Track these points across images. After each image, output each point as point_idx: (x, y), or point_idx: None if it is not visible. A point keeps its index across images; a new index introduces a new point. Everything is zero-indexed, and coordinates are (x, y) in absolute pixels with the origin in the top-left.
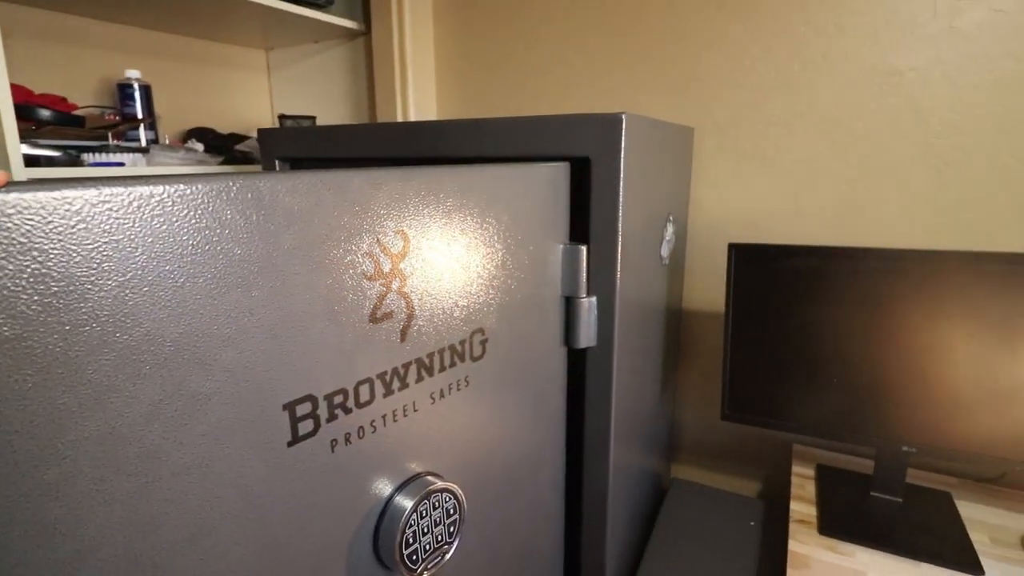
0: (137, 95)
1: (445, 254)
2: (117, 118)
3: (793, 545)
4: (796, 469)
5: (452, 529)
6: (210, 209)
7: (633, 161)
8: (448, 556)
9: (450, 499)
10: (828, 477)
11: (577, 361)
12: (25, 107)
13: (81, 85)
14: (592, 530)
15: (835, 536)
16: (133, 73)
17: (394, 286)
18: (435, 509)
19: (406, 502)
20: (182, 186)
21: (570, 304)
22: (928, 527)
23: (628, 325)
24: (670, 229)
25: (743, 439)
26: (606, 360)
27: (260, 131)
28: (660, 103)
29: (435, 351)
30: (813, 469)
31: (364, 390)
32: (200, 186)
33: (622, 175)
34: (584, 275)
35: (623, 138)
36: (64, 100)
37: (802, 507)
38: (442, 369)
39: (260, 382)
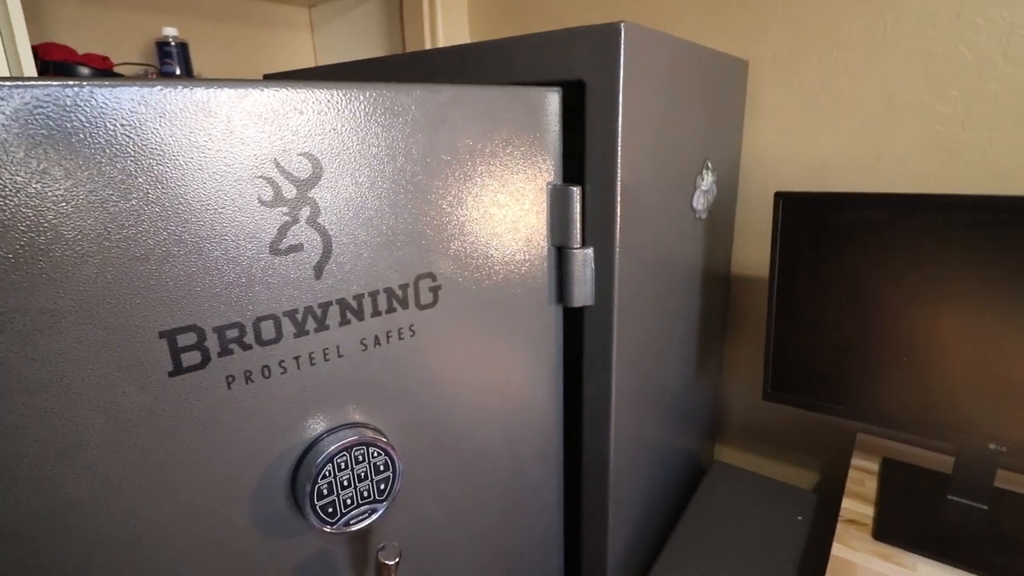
0: (175, 53)
1: (378, 186)
2: (155, 76)
3: (838, 549)
4: (857, 461)
5: (383, 487)
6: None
7: (639, 85)
8: (377, 515)
9: (379, 455)
10: (895, 473)
11: (579, 321)
12: (65, 65)
13: (125, 45)
14: (592, 503)
15: (893, 543)
16: (170, 31)
17: (303, 216)
18: (359, 463)
19: (323, 450)
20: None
21: (562, 256)
22: (1018, 542)
23: (638, 284)
24: (708, 178)
25: (799, 422)
26: (604, 321)
27: (265, 76)
28: (710, 30)
29: (364, 293)
30: (877, 463)
31: (267, 327)
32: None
33: (620, 100)
34: (578, 222)
35: (621, 55)
36: (106, 59)
37: (856, 505)
38: (376, 314)
39: (126, 306)
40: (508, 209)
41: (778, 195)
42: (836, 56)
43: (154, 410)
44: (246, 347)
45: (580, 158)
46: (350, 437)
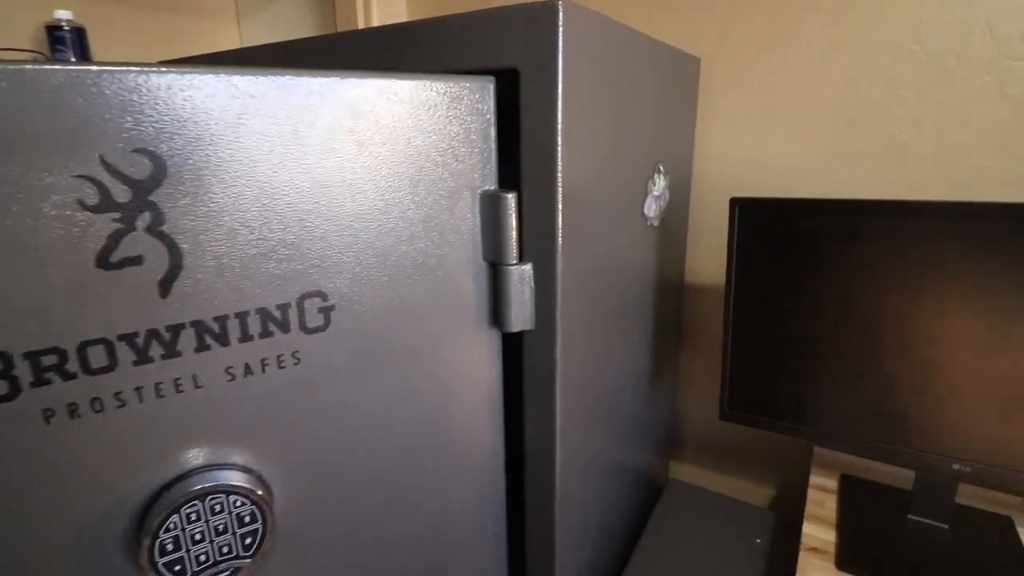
0: (68, 39)
1: (246, 188)
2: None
3: None
4: (815, 479)
5: (249, 542)
6: None
7: (581, 75)
8: (241, 573)
9: (242, 504)
10: (854, 492)
11: (516, 345)
12: None
13: (10, 29)
14: (538, 544)
15: (857, 572)
16: (63, 14)
17: (140, 223)
18: (216, 514)
19: (169, 499)
20: None
21: (496, 273)
22: (982, 564)
23: (585, 301)
24: (660, 182)
25: (755, 437)
26: (546, 348)
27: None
28: (660, 23)
29: (229, 315)
30: (836, 480)
31: (96, 353)
32: None
33: (560, 92)
34: (513, 234)
35: (560, 39)
36: None
37: (818, 530)
38: (246, 339)
39: None
40: (429, 218)
41: (734, 201)
42: (790, 55)
43: None
44: (68, 376)
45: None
46: (201, 484)
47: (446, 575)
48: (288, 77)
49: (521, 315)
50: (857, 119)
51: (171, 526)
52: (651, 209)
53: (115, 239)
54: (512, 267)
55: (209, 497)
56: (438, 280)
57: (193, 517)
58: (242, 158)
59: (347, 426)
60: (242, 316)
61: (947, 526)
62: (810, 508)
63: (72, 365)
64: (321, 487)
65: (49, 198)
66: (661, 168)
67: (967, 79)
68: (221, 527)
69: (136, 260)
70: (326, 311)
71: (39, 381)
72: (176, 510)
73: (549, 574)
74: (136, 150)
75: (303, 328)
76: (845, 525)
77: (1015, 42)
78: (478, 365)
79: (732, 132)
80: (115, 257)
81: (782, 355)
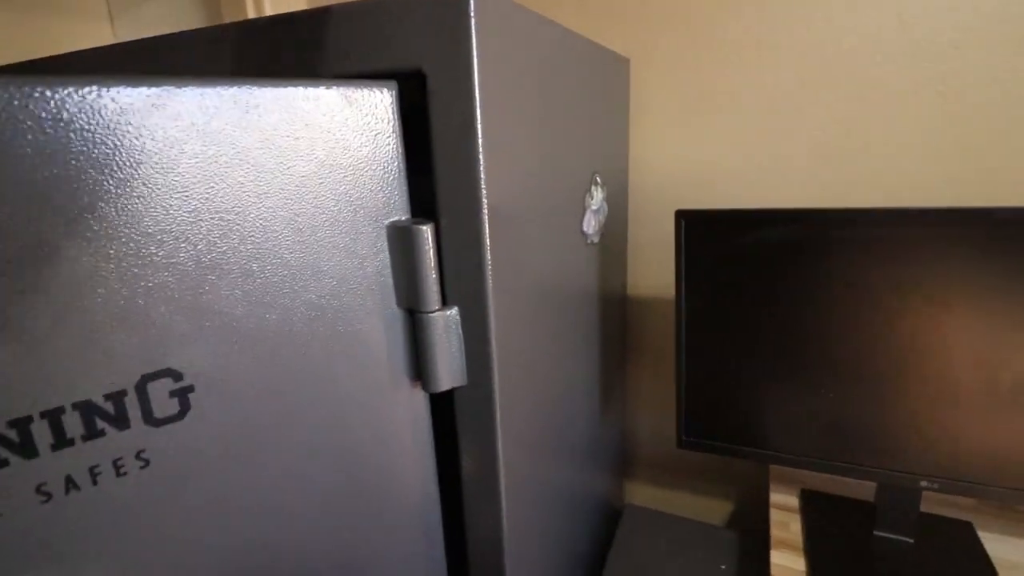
0: None
1: (41, 232)
2: None
3: None
4: (776, 497)
5: None
6: None
7: (504, 75)
8: None
9: None
10: (817, 509)
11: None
12: None
13: None
14: None
15: None
16: None
17: None
18: None
19: None
20: None
21: (415, 321)
22: (949, 574)
23: (525, 339)
24: (598, 195)
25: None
26: (483, 404)
27: None
28: (584, 20)
29: (31, 415)
30: (796, 496)
31: None
32: None
33: (478, 96)
34: (432, 273)
35: (473, 34)
36: None
37: (787, 558)
38: (63, 444)
39: None
40: (319, 262)
41: (679, 214)
42: (721, 57)
43: None
44: None
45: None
46: None
47: None
48: (94, 88)
49: (451, 370)
50: (786, 124)
51: None
52: (590, 225)
53: None
54: (433, 314)
55: None
56: (338, 336)
57: None
58: (23, 187)
59: (228, 533)
60: (53, 415)
61: (912, 540)
62: (776, 533)
63: None
64: None
65: None
66: (598, 179)
67: (887, 79)
68: None
69: None
70: (181, 394)
71: None
72: None
73: None
74: None
75: (149, 420)
76: (813, 550)
77: (931, 39)
78: (400, 433)
79: (665, 139)
80: None
81: (738, 376)
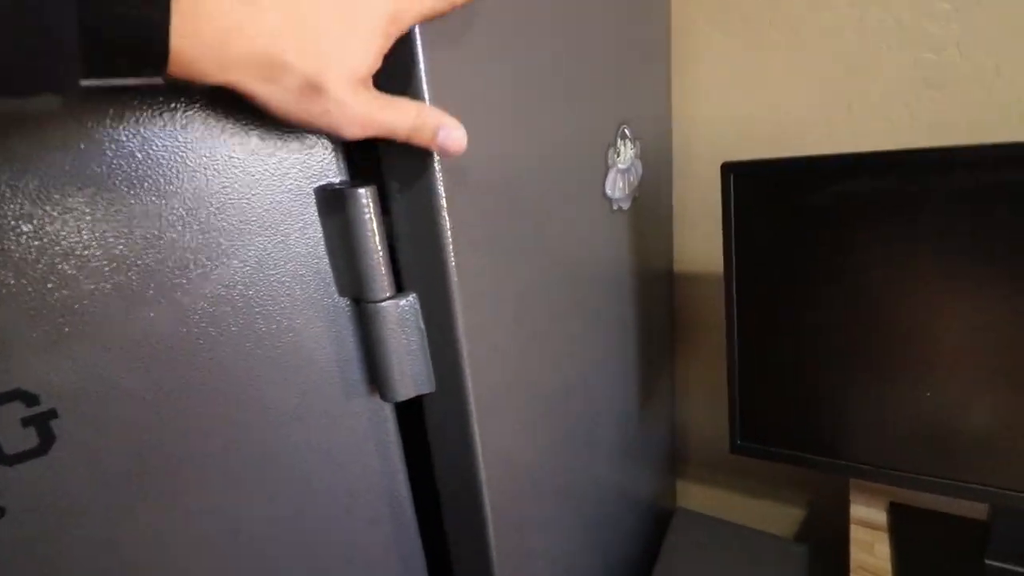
0: None
1: None
2: None
3: None
4: (858, 511)
5: None
6: None
7: None
8: None
9: None
10: (910, 529)
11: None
12: None
13: None
14: None
15: None
16: None
17: None
18: None
19: None
20: None
21: (362, 313)
22: None
23: (517, 333)
24: (627, 151)
25: None
26: (456, 416)
27: None
28: None
29: None
30: (884, 510)
31: None
32: None
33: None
34: (377, 251)
35: None
36: None
37: None
38: None
39: None
40: (226, 243)
41: (727, 167)
42: None
43: None
44: None
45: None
46: None
47: None
48: None
49: (411, 374)
50: (878, 48)
51: None
52: (616, 187)
53: None
54: (383, 303)
55: None
56: (258, 336)
57: None
58: None
59: None
60: None
61: None
62: (857, 555)
63: None
64: None
65: None
66: (627, 132)
67: None
68: None
69: None
70: (39, 422)
71: None
72: None
73: None
74: None
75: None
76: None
77: None
78: (360, 452)
79: (718, 82)
80: None
81: (805, 367)
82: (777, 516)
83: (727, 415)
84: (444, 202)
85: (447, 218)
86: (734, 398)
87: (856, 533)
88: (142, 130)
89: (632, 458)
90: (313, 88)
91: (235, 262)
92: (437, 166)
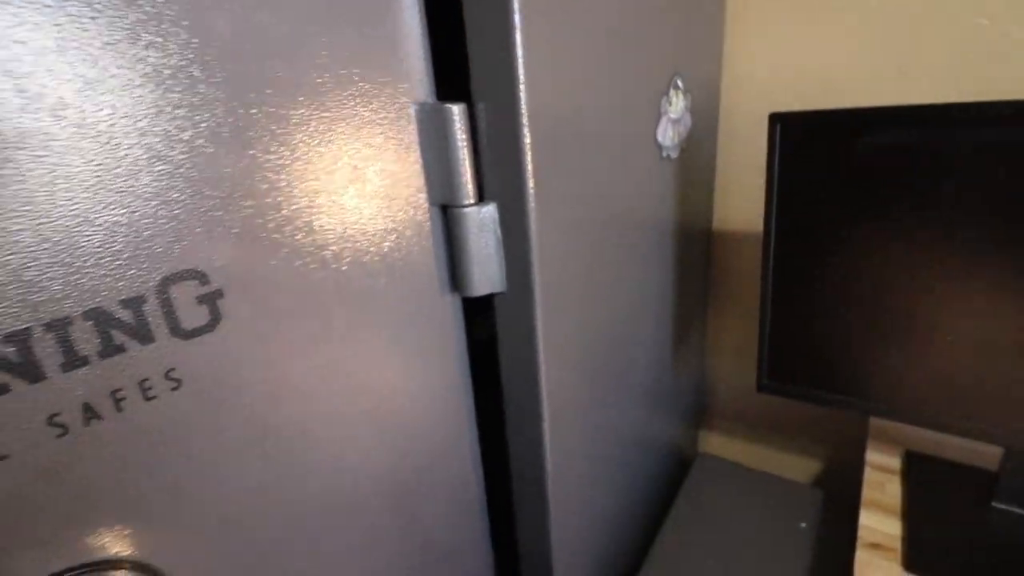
0: None
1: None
2: None
3: None
4: (873, 456)
5: None
6: None
7: None
8: None
9: None
10: (924, 473)
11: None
12: None
13: None
14: (533, 557)
15: (931, 575)
16: None
17: None
18: None
19: None
20: None
21: (448, 218)
22: None
23: (575, 251)
24: (679, 102)
25: (795, 404)
26: (523, 314)
27: None
28: None
29: (31, 327)
30: (899, 457)
31: None
32: None
33: None
34: (465, 161)
35: None
36: None
37: (878, 521)
38: (75, 364)
39: None
40: (346, 148)
41: (774, 117)
42: None
43: None
44: None
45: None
46: None
47: None
48: None
49: (486, 274)
50: (935, 13)
51: None
52: (667, 135)
53: None
54: (468, 209)
55: None
56: (368, 236)
57: None
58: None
59: (271, 461)
60: (58, 327)
61: None
62: (868, 493)
63: None
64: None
65: None
66: (679, 83)
67: None
68: None
69: None
70: (210, 299)
71: None
72: None
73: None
74: None
75: (176, 331)
76: (914, 515)
77: None
78: (434, 340)
79: (769, 38)
80: None
81: (835, 309)
82: (795, 465)
83: (753, 366)
84: (526, 120)
85: (528, 135)
86: (764, 336)
87: (870, 475)
88: None
89: (661, 403)
90: None
91: (356, 171)
92: (522, 88)
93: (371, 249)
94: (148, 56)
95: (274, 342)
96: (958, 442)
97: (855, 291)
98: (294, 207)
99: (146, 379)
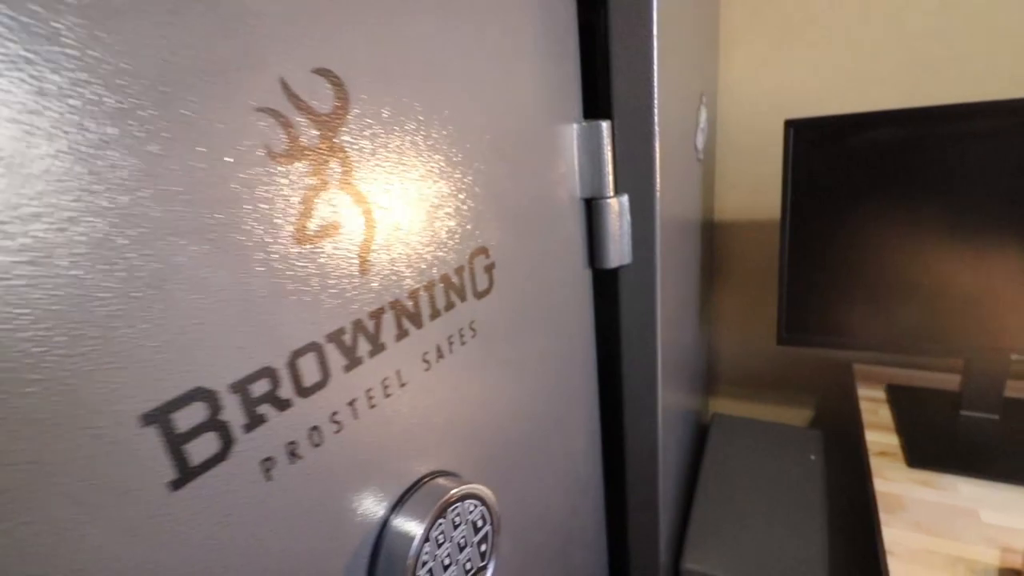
0: None
1: (415, 116)
2: None
3: (880, 484)
4: (863, 392)
5: (484, 549)
6: None
7: None
8: None
9: (476, 507)
10: (903, 399)
11: (604, 285)
12: None
13: None
14: (641, 499)
15: (929, 467)
16: None
17: (331, 172)
18: (456, 527)
19: (412, 527)
20: None
21: (592, 208)
22: None
23: (670, 234)
24: (703, 115)
25: (789, 363)
26: (645, 281)
27: None
28: None
29: (419, 287)
30: (882, 391)
31: (308, 364)
32: None
33: (655, 11)
34: (609, 164)
35: None
36: None
37: (880, 436)
38: (435, 315)
39: (73, 382)
40: (542, 151)
41: (789, 123)
42: None
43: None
44: (284, 405)
45: (592, 87)
46: (447, 494)
47: (573, 530)
48: None
49: (619, 250)
50: (877, 36)
51: (425, 559)
52: (700, 142)
53: (310, 197)
54: (610, 199)
55: (452, 508)
56: (554, 220)
57: (440, 540)
58: (419, 88)
59: (507, 394)
60: (429, 288)
61: (997, 416)
62: (867, 417)
63: (285, 389)
64: (496, 469)
65: (233, 147)
66: (704, 99)
67: None
68: (462, 542)
69: (333, 228)
70: (490, 269)
71: (253, 420)
72: (427, 535)
73: (653, 522)
74: (316, 71)
75: (475, 292)
76: (905, 428)
77: None
78: (581, 309)
79: (751, 57)
80: (312, 224)
81: (838, 276)
82: (794, 415)
83: (751, 341)
84: (658, 132)
85: (659, 139)
86: (782, 301)
87: (864, 406)
88: None
89: (691, 370)
90: None
91: (547, 173)
92: (655, 104)
93: (552, 232)
94: None
95: (517, 303)
96: (927, 374)
97: (854, 259)
98: (518, 203)
99: (461, 329)
